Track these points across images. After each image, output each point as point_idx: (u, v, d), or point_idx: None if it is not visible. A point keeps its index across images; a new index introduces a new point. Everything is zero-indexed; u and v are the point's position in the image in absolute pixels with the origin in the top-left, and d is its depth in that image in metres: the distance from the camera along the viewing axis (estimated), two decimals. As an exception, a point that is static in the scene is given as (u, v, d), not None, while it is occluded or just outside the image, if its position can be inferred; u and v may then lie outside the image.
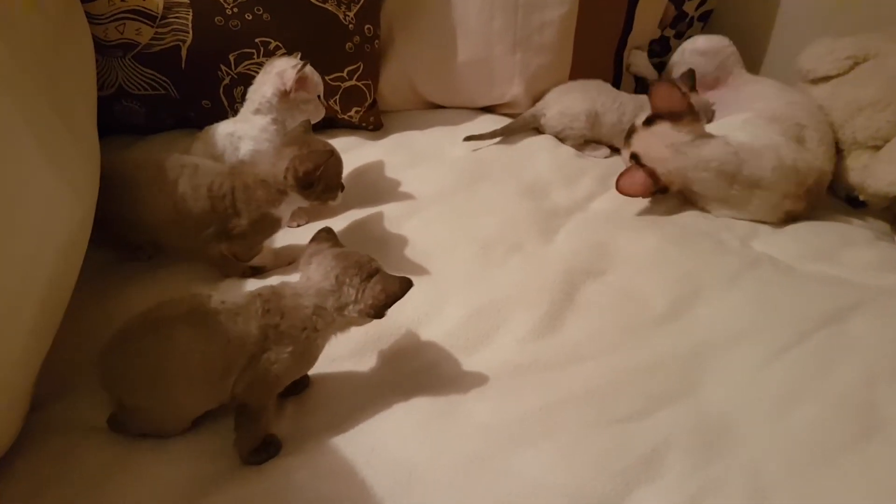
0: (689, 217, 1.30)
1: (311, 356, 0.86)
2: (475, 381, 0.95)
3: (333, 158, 1.09)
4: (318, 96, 1.26)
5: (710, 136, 1.27)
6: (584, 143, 1.51)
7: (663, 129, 1.27)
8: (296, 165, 1.03)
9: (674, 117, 1.26)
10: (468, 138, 1.44)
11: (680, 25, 1.74)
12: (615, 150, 1.51)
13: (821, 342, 0.99)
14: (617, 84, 1.64)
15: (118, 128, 1.41)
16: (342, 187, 1.13)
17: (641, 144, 1.29)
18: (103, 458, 0.83)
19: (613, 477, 0.81)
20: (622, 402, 0.92)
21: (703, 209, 1.32)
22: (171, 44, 1.31)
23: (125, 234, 1.11)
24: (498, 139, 1.48)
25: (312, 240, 0.89)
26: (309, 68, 1.21)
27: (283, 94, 1.20)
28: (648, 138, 1.29)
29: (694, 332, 1.02)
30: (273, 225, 1.09)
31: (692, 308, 1.06)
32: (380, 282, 0.83)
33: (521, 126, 1.52)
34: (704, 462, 0.83)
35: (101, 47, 1.29)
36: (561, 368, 0.98)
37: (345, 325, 0.86)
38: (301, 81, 1.21)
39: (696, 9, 1.73)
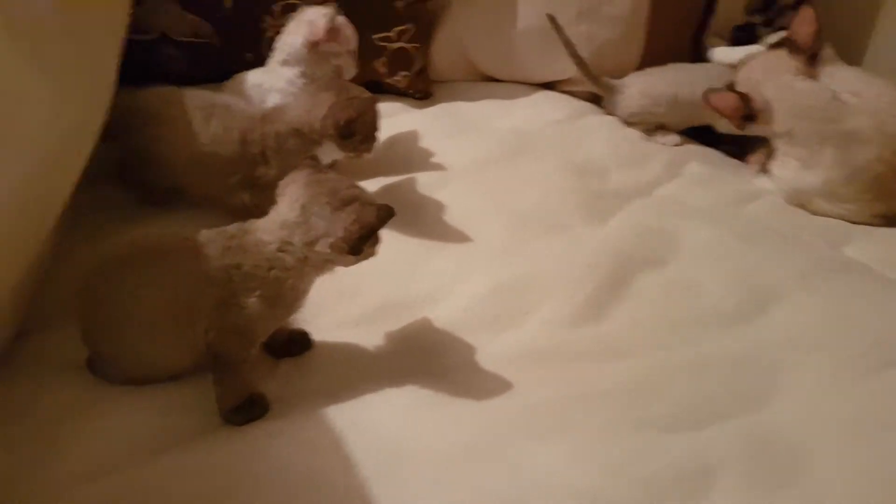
0: (768, 210, 1.17)
1: (287, 300, 0.76)
2: (489, 363, 0.85)
3: (373, 107, 1.00)
4: (351, 51, 1.17)
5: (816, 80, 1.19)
6: (654, 128, 1.37)
7: (780, 54, 1.20)
8: (336, 113, 0.96)
9: (794, 49, 1.19)
10: (551, 17, 1.35)
11: (769, 12, 1.57)
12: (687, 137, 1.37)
13: (910, 366, 0.84)
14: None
15: (159, 76, 1.36)
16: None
17: (748, 68, 1.23)
18: (71, 397, 0.77)
19: (633, 483, 0.70)
20: (659, 405, 0.80)
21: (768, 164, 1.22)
22: (216, -13, 1.26)
23: (146, 175, 1.05)
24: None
25: (295, 170, 0.79)
26: (341, 18, 1.13)
27: (313, 45, 1.12)
28: (760, 59, 1.24)
29: (760, 338, 0.90)
30: None
31: (762, 310, 0.93)
32: (354, 211, 0.71)
33: (594, 80, 1.38)
34: (761, 489, 0.71)
35: (146, -12, 1.25)
36: (592, 361, 0.87)
37: (320, 263, 0.74)
38: (332, 32, 1.12)
39: (790, -5, 1.57)
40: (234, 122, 1.00)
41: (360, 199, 0.73)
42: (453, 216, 1.06)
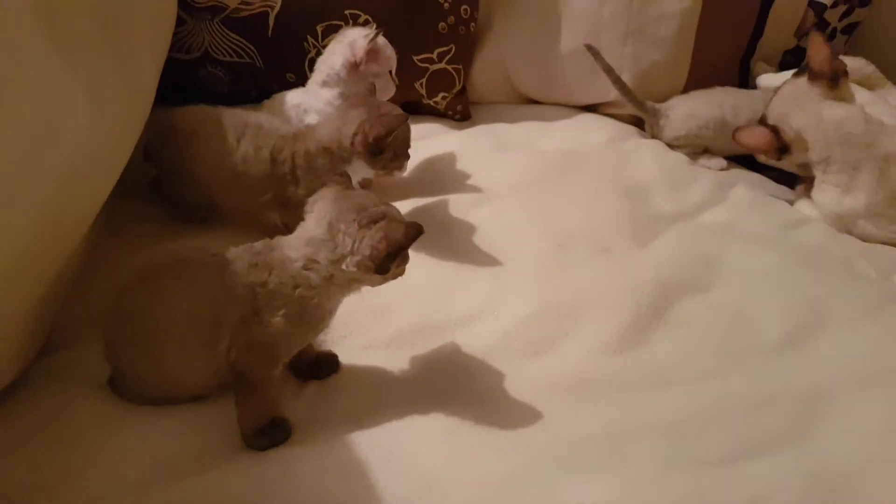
0: (816, 236, 1.12)
1: (312, 319, 0.73)
2: (528, 391, 0.80)
3: (405, 123, 0.97)
4: (390, 72, 1.16)
5: (847, 103, 1.16)
6: (701, 151, 1.32)
7: (800, 82, 1.17)
8: (366, 129, 0.93)
9: (813, 75, 1.16)
10: (589, 46, 1.32)
11: (821, 37, 1.52)
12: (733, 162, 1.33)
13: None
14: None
15: (201, 95, 1.37)
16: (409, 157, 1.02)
17: (777, 99, 1.20)
18: (94, 415, 0.75)
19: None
20: (713, 440, 0.76)
21: (811, 192, 1.18)
22: (260, 9, 1.26)
23: (181, 192, 1.04)
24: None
25: (324, 186, 0.76)
26: (382, 39, 1.12)
27: (353, 66, 1.11)
28: (785, 90, 1.20)
29: (814, 369, 0.85)
30: None
31: (814, 340, 0.89)
32: (382, 228, 0.68)
33: (638, 104, 1.35)
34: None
35: (190, 8, 1.26)
36: (639, 391, 0.82)
37: (347, 282, 0.71)
38: (372, 53, 1.10)
39: (840, 19, 1.51)
40: (265, 141, 0.99)
41: (388, 216, 0.70)
42: (493, 236, 1.03)
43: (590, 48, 1.33)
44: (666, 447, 0.74)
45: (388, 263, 0.68)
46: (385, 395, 0.79)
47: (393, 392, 0.79)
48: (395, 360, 0.84)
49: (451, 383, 0.81)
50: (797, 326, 0.90)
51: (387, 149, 0.95)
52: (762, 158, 1.28)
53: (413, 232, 0.68)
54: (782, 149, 1.17)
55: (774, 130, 1.16)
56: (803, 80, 1.17)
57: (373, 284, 0.72)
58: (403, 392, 0.79)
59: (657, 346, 0.88)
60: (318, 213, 0.71)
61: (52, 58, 0.68)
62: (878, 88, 1.36)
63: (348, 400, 0.78)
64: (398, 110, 0.98)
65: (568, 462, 0.71)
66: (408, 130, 1.00)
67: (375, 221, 0.69)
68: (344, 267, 0.68)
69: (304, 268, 0.69)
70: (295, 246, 0.71)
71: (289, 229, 0.97)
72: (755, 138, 1.18)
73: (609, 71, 1.33)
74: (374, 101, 0.98)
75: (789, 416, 0.78)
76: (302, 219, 0.92)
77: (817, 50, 1.16)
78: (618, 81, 1.34)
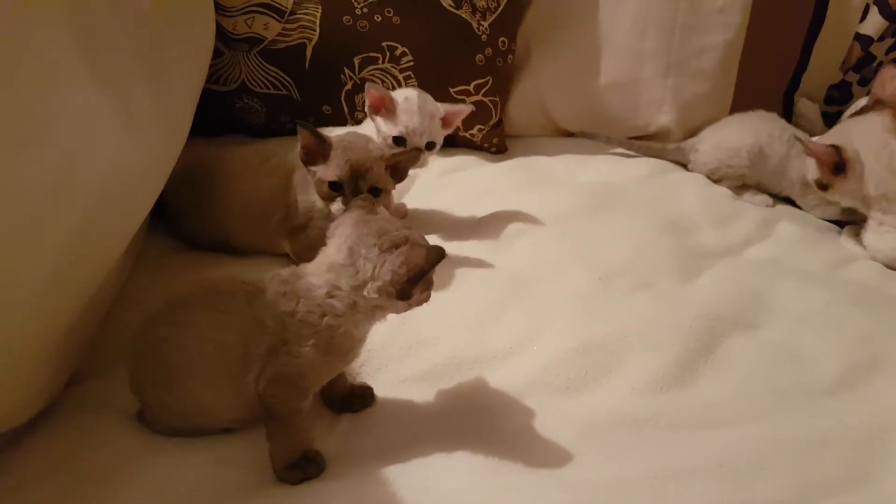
0: (869, 273, 1.08)
1: (342, 349, 0.70)
2: (570, 429, 0.76)
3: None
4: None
5: None
6: (743, 186, 1.29)
7: (881, 117, 1.13)
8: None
9: (884, 106, 1.13)
10: (581, 133, 1.35)
11: (865, 70, 1.49)
12: (780, 200, 1.28)
13: None
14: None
15: (238, 126, 1.38)
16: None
17: (841, 126, 1.19)
18: (123, 446, 0.72)
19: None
20: (766, 483, 0.71)
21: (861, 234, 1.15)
22: (297, 41, 1.27)
23: (201, 231, 1.05)
24: (639, 156, 1.35)
25: (347, 209, 0.73)
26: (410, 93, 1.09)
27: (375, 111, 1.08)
28: (852, 120, 1.18)
29: (871, 410, 0.81)
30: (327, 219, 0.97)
31: (871, 379, 0.86)
32: (403, 253, 0.65)
33: (659, 153, 1.33)
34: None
35: (227, 40, 1.27)
36: (688, 431, 0.78)
37: (371, 309, 0.68)
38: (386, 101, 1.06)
39: (887, 53, 1.48)
40: (283, 168, 0.99)
41: (410, 240, 0.67)
42: (531, 270, 1.00)
43: (582, 134, 1.38)
44: (718, 490, 0.69)
45: (409, 289, 0.65)
46: (421, 430, 0.76)
47: (429, 427, 0.76)
48: (431, 394, 0.81)
49: (488, 419, 0.77)
50: (851, 366, 0.86)
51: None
52: (807, 200, 1.24)
53: (435, 256, 0.65)
54: (839, 166, 1.12)
55: (836, 147, 1.13)
56: (872, 113, 1.14)
57: (397, 311, 0.69)
58: (440, 427, 0.76)
59: (705, 384, 0.84)
60: (340, 238, 0.69)
61: (88, 82, 0.68)
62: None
63: (383, 434, 0.76)
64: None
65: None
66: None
67: (397, 246, 0.66)
68: (366, 293, 0.66)
69: (328, 295, 0.67)
70: (317, 272, 0.68)
71: (298, 257, 0.95)
72: (818, 147, 1.14)
73: (610, 140, 1.35)
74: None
75: (846, 460, 0.74)
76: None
77: (890, 81, 1.13)
78: (625, 143, 1.35)
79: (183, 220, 1.05)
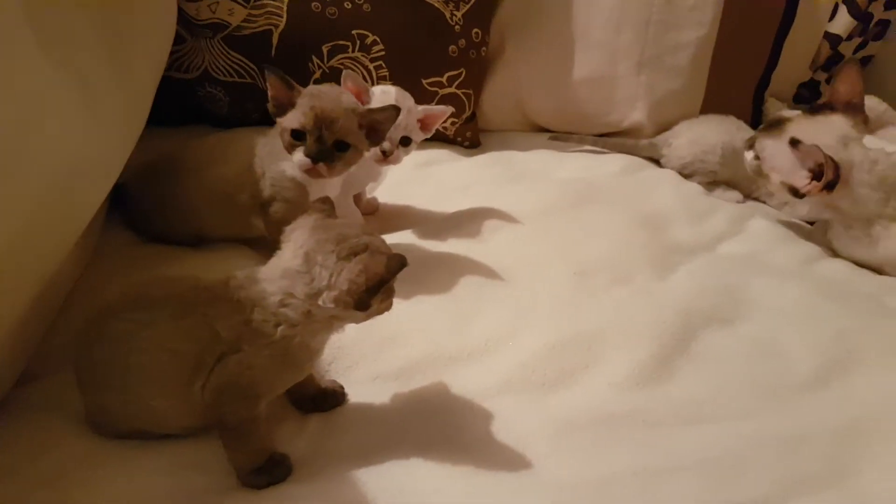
0: (842, 271, 1.07)
1: (297, 360, 0.66)
2: (548, 426, 0.74)
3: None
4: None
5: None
6: (714, 182, 1.29)
7: (836, 119, 1.07)
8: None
9: (849, 110, 1.07)
10: (553, 137, 1.34)
11: (834, 69, 1.50)
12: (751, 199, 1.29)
13: None
14: (754, 126, 1.41)
15: (202, 116, 1.33)
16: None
17: (803, 132, 1.07)
18: (77, 450, 0.68)
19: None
20: (748, 480, 0.70)
21: (831, 240, 1.12)
22: (263, 27, 1.23)
23: (169, 226, 1.00)
24: (610, 153, 1.34)
25: (305, 212, 0.69)
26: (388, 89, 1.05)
27: None
28: (813, 125, 1.08)
29: (850, 405, 0.80)
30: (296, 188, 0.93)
31: (847, 375, 0.85)
32: (362, 261, 0.61)
33: (632, 149, 1.33)
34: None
35: (190, 26, 1.23)
36: (667, 427, 0.76)
37: (327, 319, 0.64)
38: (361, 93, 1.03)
39: (855, 52, 1.50)
40: (247, 145, 0.95)
41: (370, 247, 0.63)
42: (507, 265, 0.98)
43: (555, 138, 1.37)
44: (698, 487, 0.68)
45: (368, 299, 0.61)
46: (395, 430, 0.73)
47: (403, 426, 0.73)
48: (405, 393, 0.78)
49: (465, 418, 0.75)
50: (829, 360, 0.86)
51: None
52: (776, 199, 1.24)
53: (395, 265, 0.61)
54: (831, 183, 1.03)
55: (832, 161, 1.02)
56: (838, 115, 1.07)
57: (355, 321, 0.66)
58: (414, 426, 0.73)
59: (682, 379, 0.82)
60: (295, 243, 0.64)
61: (34, 49, 0.64)
62: (890, 126, 1.32)
63: (355, 434, 0.73)
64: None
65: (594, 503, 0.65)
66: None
67: (356, 253, 0.62)
68: (321, 303, 0.61)
69: (282, 304, 0.62)
70: (271, 278, 0.64)
71: (270, 234, 0.91)
72: (813, 156, 1.03)
73: (582, 141, 1.35)
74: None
75: (826, 455, 0.73)
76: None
77: (854, 81, 1.08)
78: (598, 142, 1.35)
79: (152, 218, 1.00)
